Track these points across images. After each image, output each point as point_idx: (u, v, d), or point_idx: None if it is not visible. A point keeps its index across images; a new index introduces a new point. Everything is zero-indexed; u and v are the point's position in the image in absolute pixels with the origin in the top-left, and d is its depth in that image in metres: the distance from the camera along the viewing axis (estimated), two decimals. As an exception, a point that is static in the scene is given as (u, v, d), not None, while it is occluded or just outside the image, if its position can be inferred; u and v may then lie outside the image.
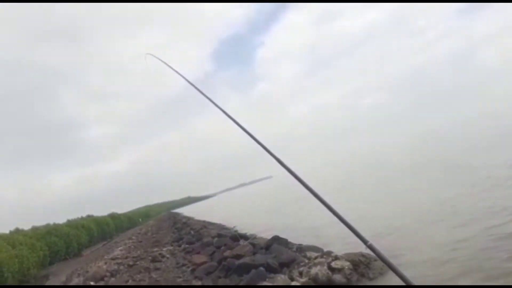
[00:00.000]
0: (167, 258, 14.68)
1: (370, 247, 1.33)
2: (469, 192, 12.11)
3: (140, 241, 23.90)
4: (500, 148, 19.95)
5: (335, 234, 12.04)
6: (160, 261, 14.24)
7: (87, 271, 15.43)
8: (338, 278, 7.94)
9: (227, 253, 11.12)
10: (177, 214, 71.26)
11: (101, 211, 52.76)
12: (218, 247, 12.59)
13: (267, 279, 8.23)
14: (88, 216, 46.26)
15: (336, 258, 8.92)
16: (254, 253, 10.52)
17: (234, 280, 9.26)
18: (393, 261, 1.95)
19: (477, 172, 14.99)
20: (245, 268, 9.34)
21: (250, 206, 40.12)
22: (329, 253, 9.66)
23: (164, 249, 17.35)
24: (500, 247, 7.10)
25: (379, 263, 8.67)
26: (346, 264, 8.46)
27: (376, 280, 7.88)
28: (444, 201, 11.80)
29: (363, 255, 8.96)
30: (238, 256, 10.42)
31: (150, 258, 15.10)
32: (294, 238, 11.85)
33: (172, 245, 18.26)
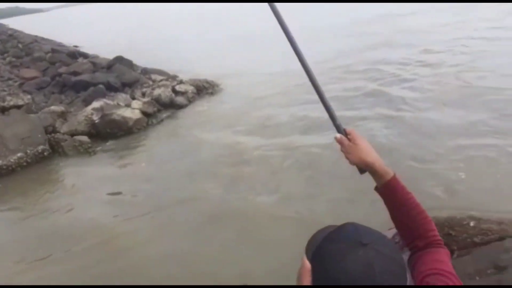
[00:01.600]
0: (-12, 71, 12.73)
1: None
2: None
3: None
4: None
5: (187, 64, 12.01)
6: (-22, 73, 12.29)
7: None
8: (180, 100, 8.15)
9: (63, 69, 10.16)
10: (1, 25, 60.28)
11: None
12: (53, 63, 11.35)
13: (106, 97, 7.95)
14: None
15: (181, 82, 9.03)
16: (94, 72, 9.84)
17: (70, 96, 8.72)
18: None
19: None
20: (83, 85, 8.78)
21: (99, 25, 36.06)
22: (174, 77, 9.68)
23: (-16, 61, 14.88)
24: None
25: (219, 88, 9.15)
26: (190, 88, 8.68)
27: (215, 100, 8.35)
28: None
29: (207, 81, 9.27)
30: (76, 73, 9.63)
31: (-35, 69, 12.87)
32: (141, 61, 11.35)
33: (-6, 58, 15.73)
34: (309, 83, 1.26)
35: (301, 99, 7.21)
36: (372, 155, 1.23)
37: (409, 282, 0.87)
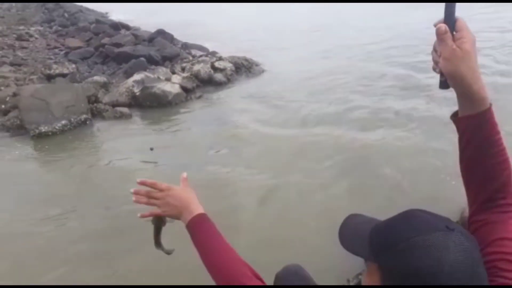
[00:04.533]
0: (36, 38, 13.14)
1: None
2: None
3: (2, 17, 20.74)
4: None
5: (228, 39, 11.99)
6: (27, 40, 12.71)
7: None
8: (219, 77, 8.15)
9: (106, 40, 10.35)
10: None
11: None
12: (96, 34, 11.58)
13: (147, 70, 8.06)
14: None
15: (221, 59, 9.01)
16: (135, 44, 9.98)
17: (112, 67, 8.90)
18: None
19: None
20: (125, 57, 8.95)
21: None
22: (214, 53, 9.68)
23: (32, 28, 15.39)
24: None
25: (259, 68, 9.08)
26: (229, 66, 8.65)
27: (254, 79, 8.34)
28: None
29: (246, 59, 9.21)
30: (118, 45, 9.80)
31: (15, 36, 13.36)
32: (182, 36, 11.41)
33: (42, 26, 16.24)
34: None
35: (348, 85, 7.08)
36: (476, 73, 0.87)
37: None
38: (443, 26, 0.87)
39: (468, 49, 0.85)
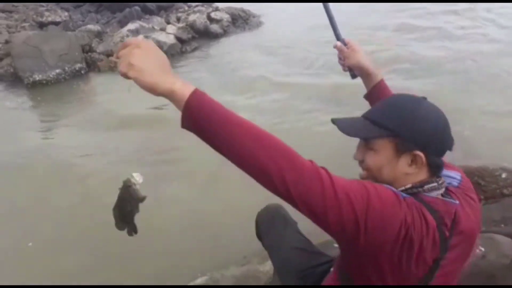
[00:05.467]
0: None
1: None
2: None
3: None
4: None
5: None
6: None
7: None
8: (215, 28, 8.00)
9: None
10: None
11: None
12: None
13: (142, 20, 7.88)
14: None
15: (217, 9, 8.80)
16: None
17: (106, 16, 8.69)
18: None
19: None
20: (119, 6, 8.70)
21: None
22: (210, 3, 9.43)
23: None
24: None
25: (256, 19, 8.89)
26: (226, 16, 8.47)
27: (252, 31, 8.18)
28: None
29: (243, 10, 9.00)
30: (112, -7, 9.51)
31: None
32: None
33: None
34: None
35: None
36: (367, 59, 1.43)
37: None
38: (338, 43, 1.46)
39: (357, 49, 1.43)
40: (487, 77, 5.28)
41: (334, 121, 1.08)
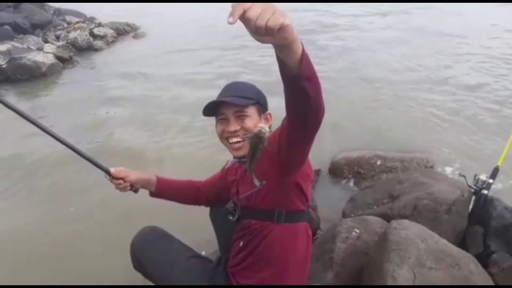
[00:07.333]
0: None
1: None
2: None
3: None
4: None
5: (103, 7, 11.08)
6: None
7: None
8: (99, 44, 7.66)
9: (-41, 7, 8.96)
10: None
11: None
12: None
13: (14, 39, 7.23)
14: None
15: (100, 25, 8.45)
16: (-2, 11, 8.82)
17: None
18: None
19: None
20: (-14, 26, 7.88)
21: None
22: (92, 19, 9.02)
23: None
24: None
25: (142, 32, 8.72)
26: (110, 32, 8.18)
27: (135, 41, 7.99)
28: None
29: (128, 24, 8.77)
30: (-24, 12, 8.57)
31: None
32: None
33: None
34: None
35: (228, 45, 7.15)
36: (135, 174, 1.80)
37: None
38: (108, 177, 1.73)
39: (126, 173, 1.76)
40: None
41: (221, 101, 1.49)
